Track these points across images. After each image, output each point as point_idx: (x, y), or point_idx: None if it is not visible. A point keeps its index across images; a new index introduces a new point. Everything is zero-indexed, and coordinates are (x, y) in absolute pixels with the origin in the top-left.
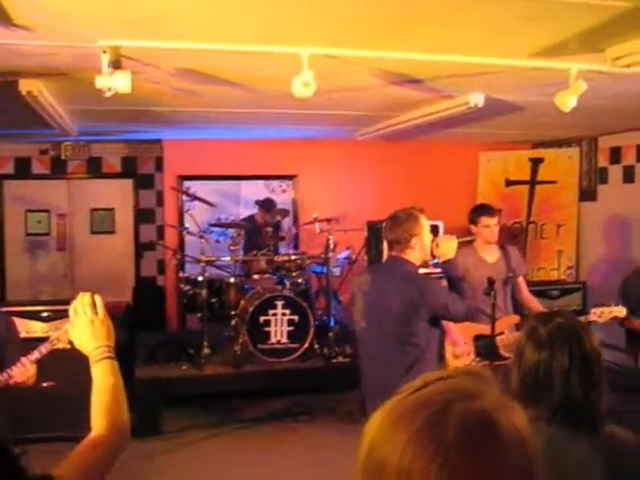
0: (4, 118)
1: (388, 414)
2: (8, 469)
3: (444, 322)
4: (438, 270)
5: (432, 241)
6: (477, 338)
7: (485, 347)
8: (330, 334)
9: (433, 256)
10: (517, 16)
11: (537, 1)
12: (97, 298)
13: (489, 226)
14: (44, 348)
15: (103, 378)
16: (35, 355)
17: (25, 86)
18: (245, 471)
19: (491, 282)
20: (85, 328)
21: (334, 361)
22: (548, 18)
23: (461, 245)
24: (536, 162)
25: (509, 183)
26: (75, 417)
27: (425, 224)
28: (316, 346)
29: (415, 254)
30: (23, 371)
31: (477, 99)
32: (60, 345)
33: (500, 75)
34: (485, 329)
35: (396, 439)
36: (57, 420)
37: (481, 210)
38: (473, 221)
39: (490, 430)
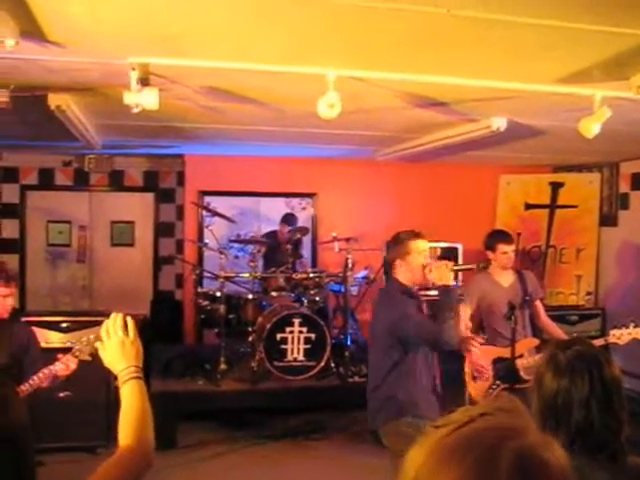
0: (32, 131)
1: (433, 451)
2: None
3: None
4: (432, 293)
5: (426, 265)
6: (496, 361)
7: (505, 370)
8: (346, 353)
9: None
10: (542, 42)
11: (562, 28)
12: (129, 320)
13: (506, 253)
14: (68, 360)
15: (131, 398)
16: (58, 366)
17: (54, 100)
18: None
19: (512, 307)
20: (116, 348)
21: (350, 380)
22: (573, 45)
23: (469, 272)
24: (556, 186)
25: (529, 207)
26: (91, 427)
27: (414, 247)
28: (332, 365)
29: (403, 275)
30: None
31: (499, 123)
32: (82, 357)
33: (523, 100)
34: (504, 352)
35: (446, 477)
36: (73, 430)
37: (498, 237)
38: (490, 247)
39: (542, 469)
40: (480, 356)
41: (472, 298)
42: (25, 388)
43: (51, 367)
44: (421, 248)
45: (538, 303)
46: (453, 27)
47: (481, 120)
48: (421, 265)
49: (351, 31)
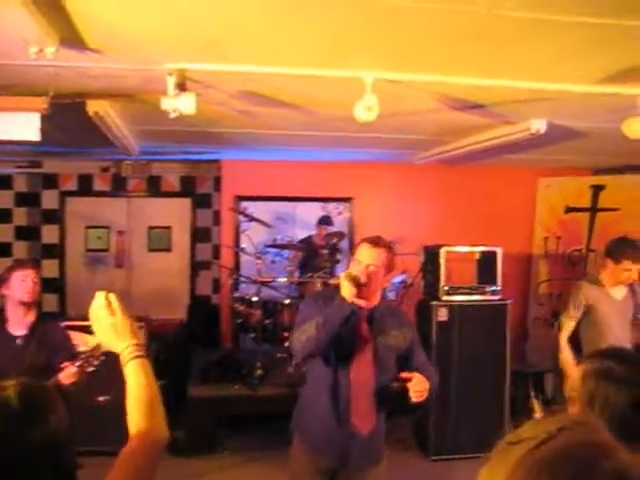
0: (71, 137)
1: (518, 468)
2: None
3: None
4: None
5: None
6: None
7: None
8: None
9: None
10: (583, 41)
11: (604, 26)
12: (112, 297)
13: (629, 270)
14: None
15: (136, 379)
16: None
17: (92, 107)
18: None
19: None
20: (108, 332)
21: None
22: (615, 43)
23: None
24: (597, 189)
25: (569, 210)
26: (125, 432)
27: (358, 253)
28: None
29: None
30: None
31: (539, 125)
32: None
33: (564, 101)
34: None
35: None
36: (112, 434)
37: (628, 251)
38: (614, 257)
39: None
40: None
41: (578, 309)
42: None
43: (56, 376)
44: (357, 255)
45: None
46: (493, 27)
47: (520, 122)
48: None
49: (388, 32)
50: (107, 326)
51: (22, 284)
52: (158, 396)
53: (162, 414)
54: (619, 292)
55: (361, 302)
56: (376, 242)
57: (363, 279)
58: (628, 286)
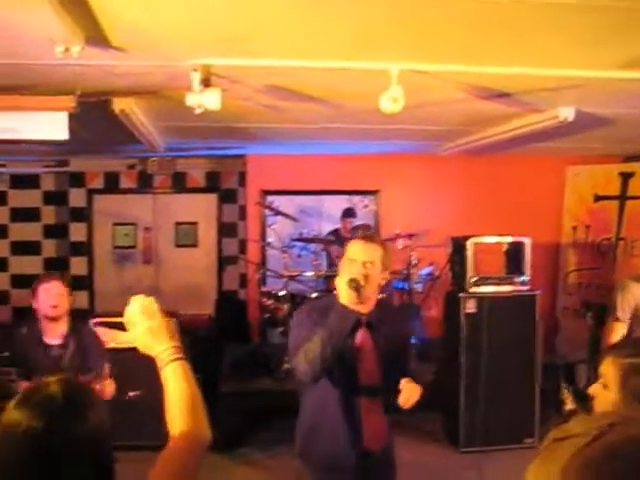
0: (98, 135)
1: (570, 466)
2: None
3: None
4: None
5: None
6: None
7: None
8: (412, 351)
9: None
10: (610, 26)
11: (631, 10)
12: (149, 301)
13: None
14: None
15: (176, 383)
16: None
17: (118, 105)
18: None
19: None
20: (145, 337)
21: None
22: None
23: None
24: (627, 176)
25: (598, 198)
26: (162, 426)
27: (350, 251)
28: None
29: None
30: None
31: (567, 113)
32: None
33: (592, 88)
34: None
35: None
36: (144, 429)
37: None
38: None
39: None
40: None
41: (626, 311)
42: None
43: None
44: (349, 253)
45: None
46: (517, 14)
47: (548, 110)
48: (343, 273)
49: (413, 23)
50: (143, 330)
51: (47, 298)
52: (199, 397)
53: (204, 414)
54: None
55: (361, 307)
56: (370, 238)
57: (362, 281)
58: None
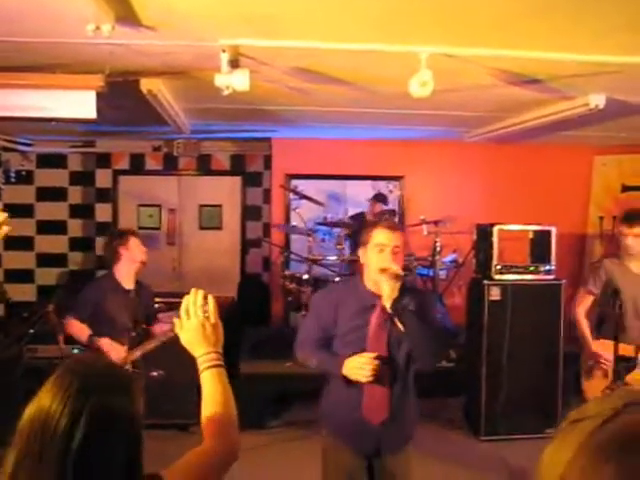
0: (125, 116)
1: (583, 447)
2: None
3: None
4: None
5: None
6: (619, 359)
7: (628, 370)
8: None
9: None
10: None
11: None
12: (210, 299)
13: (636, 236)
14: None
15: (213, 387)
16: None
17: (146, 85)
18: None
19: None
20: (195, 330)
21: (438, 366)
22: None
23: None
24: None
25: (626, 188)
26: (183, 406)
27: (377, 238)
28: None
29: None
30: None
31: (598, 100)
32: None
33: (624, 75)
34: (629, 350)
35: (603, 475)
36: (166, 408)
37: (631, 218)
38: (620, 228)
39: None
40: (603, 349)
41: (597, 285)
42: (138, 353)
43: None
44: (376, 240)
45: None
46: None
47: (578, 97)
48: (375, 262)
49: (443, 6)
50: (196, 324)
51: (139, 247)
52: (233, 406)
53: (235, 424)
54: (637, 267)
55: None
56: (393, 225)
57: (399, 270)
58: None
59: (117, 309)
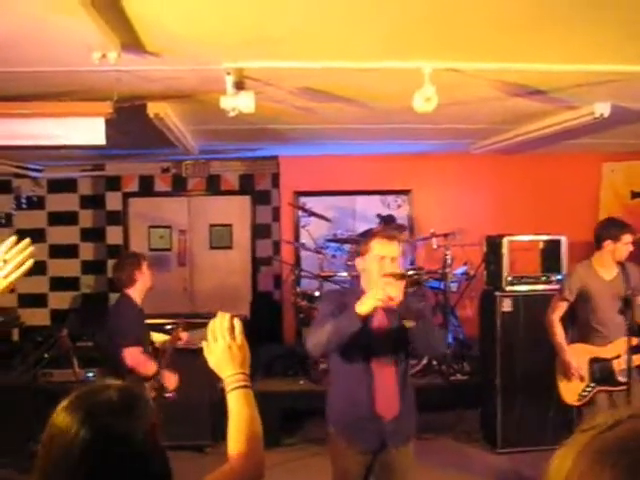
0: (133, 139)
1: (582, 454)
2: None
3: (556, 343)
4: None
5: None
6: (593, 361)
7: (601, 371)
8: (448, 351)
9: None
10: None
11: None
12: (236, 322)
13: (628, 244)
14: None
15: (240, 408)
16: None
17: (153, 109)
18: None
19: (626, 301)
20: (222, 353)
21: (452, 378)
22: None
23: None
24: None
25: (635, 195)
26: (197, 427)
27: (376, 249)
28: (434, 363)
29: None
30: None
31: (603, 109)
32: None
33: (628, 82)
34: (601, 352)
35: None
36: (181, 430)
37: (624, 227)
38: (613, 236)
39: None
40: (573, 355)
41: (572, 290)
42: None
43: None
44: (376, 252)
45: None
46: (550, 10)
47: (583, 107)
48: (377, 270)
49: (445, 22)
50: (223, 346)
51: (151, 272)
52: (259, 427)
53: (261, 445)
54: (609, 273)
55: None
56: (392, 235)
57: (402, 271)
58: (620, 266)
59: (144, 329)
